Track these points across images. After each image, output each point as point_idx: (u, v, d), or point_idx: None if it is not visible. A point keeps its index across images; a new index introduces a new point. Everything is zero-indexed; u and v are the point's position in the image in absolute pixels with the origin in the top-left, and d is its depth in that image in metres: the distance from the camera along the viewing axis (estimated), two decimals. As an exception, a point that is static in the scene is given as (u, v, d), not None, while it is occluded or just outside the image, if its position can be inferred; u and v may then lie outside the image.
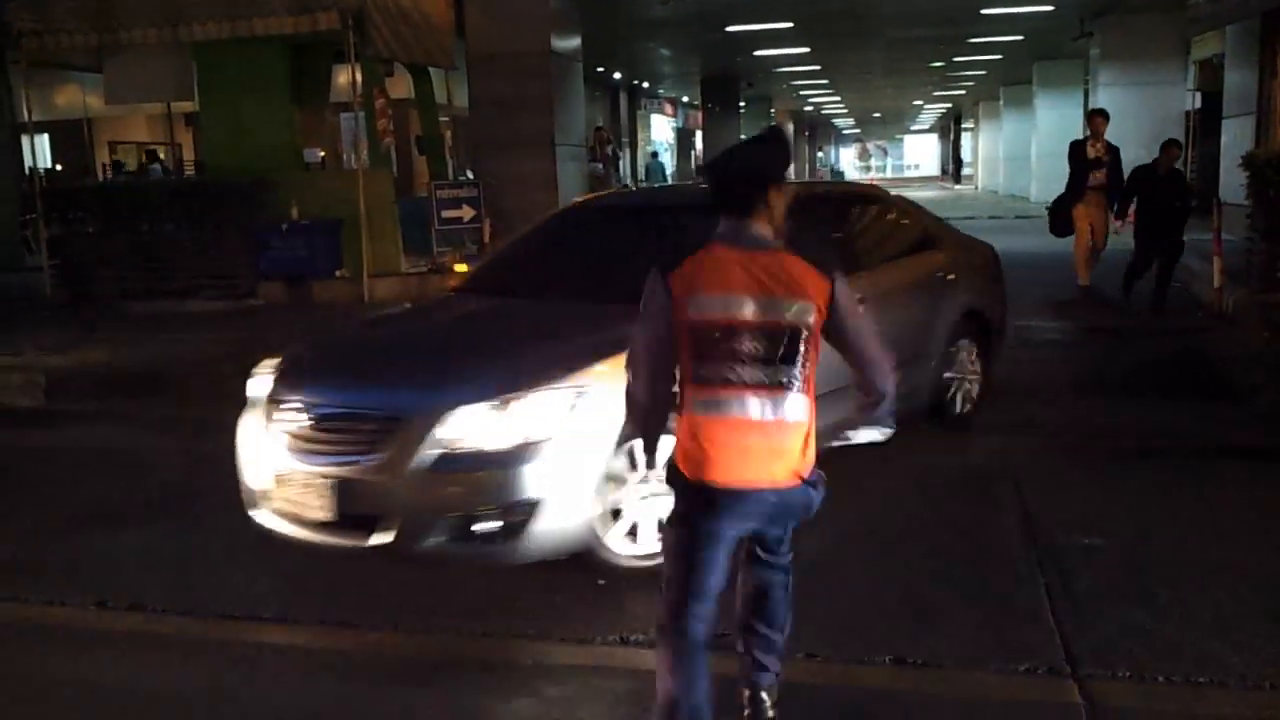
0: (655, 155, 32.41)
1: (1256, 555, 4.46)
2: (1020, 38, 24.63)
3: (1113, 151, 10.82)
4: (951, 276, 6.43)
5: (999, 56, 28.42)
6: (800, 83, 36.93)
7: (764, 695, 3.10)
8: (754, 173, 2.88)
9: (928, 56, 28.99)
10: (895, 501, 5.32)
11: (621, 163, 29.30)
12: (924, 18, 21.36)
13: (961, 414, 6.46)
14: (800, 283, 2.77)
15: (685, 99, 38.74)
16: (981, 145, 48.78)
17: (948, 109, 54.04)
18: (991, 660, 3.62)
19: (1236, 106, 14.34)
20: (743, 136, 35.23)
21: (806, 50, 26.32)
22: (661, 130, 38.93)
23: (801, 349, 2.77)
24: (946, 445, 6.15)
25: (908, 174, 75.78)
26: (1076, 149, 11.06)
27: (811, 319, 2.78)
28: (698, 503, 2.83)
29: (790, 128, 51.55)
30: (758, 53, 26.82)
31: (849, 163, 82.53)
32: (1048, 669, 3.55)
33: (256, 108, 13.28)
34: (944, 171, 65.65)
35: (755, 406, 2.76)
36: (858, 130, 74.47)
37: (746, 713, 3.10)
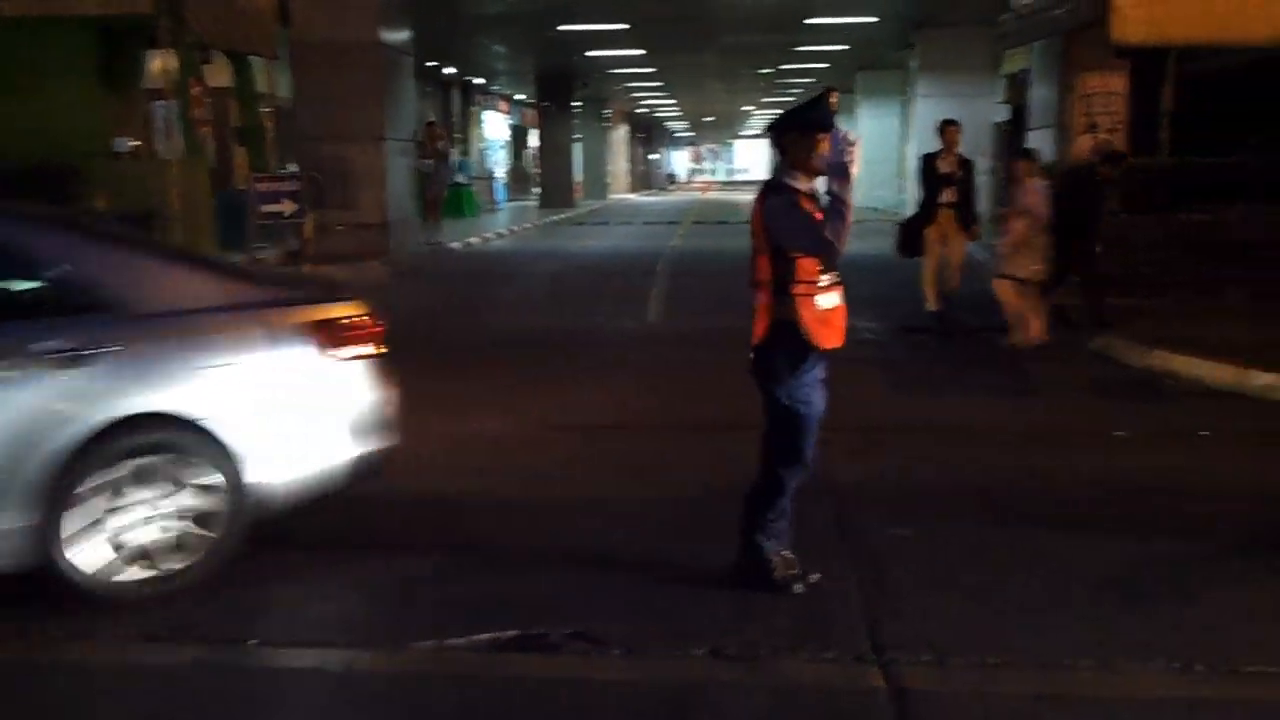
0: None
1: (1060, 542, 4.72)
2: (846, 47, 25.49)
3: (966, 166, 10.09)
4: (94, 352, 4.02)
5: (826, 65, 29.33)
6: (635, 85, 37.25)
7: None
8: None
9: (757, 63, 29.70)
10: (718, 494, 5.41)
11: (453, 159, 28.88)
12: (754, 24, 21.86)
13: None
14: None
15: (521, 96, 38.54)
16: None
17: (778, 115, 55.40)
18: (804, 649, 3.71)
19: (1040, 119, 15.18)
20: (577, 137, 35.10)
21: (641, 53, 26.56)
22: (497, 128, 38.61)
23: None
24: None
25: (738, 178, 77.39)
26: (928, 164, 10.16)
27: None
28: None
29: (624, 130, 51.90)
30: (591, 53, 26.91)
31: (683, 166, 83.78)
32: (854, 656, 3.67)
33: (60, 92, 12.51)
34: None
35: None
36: (692, 134, 75.68)
37: None
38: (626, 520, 5.08)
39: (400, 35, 15.46)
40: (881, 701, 3.39)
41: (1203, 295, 10.43)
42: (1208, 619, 3.95)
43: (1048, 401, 7.66)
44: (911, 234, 10.21)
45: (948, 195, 9.94)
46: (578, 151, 37.43)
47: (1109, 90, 12.08)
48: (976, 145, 22.41)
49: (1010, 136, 20.99)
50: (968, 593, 4.17)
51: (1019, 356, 8.91)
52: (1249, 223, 10.58)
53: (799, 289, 3.89)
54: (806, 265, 3.89)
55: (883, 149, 29.02)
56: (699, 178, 78.92)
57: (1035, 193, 9.06)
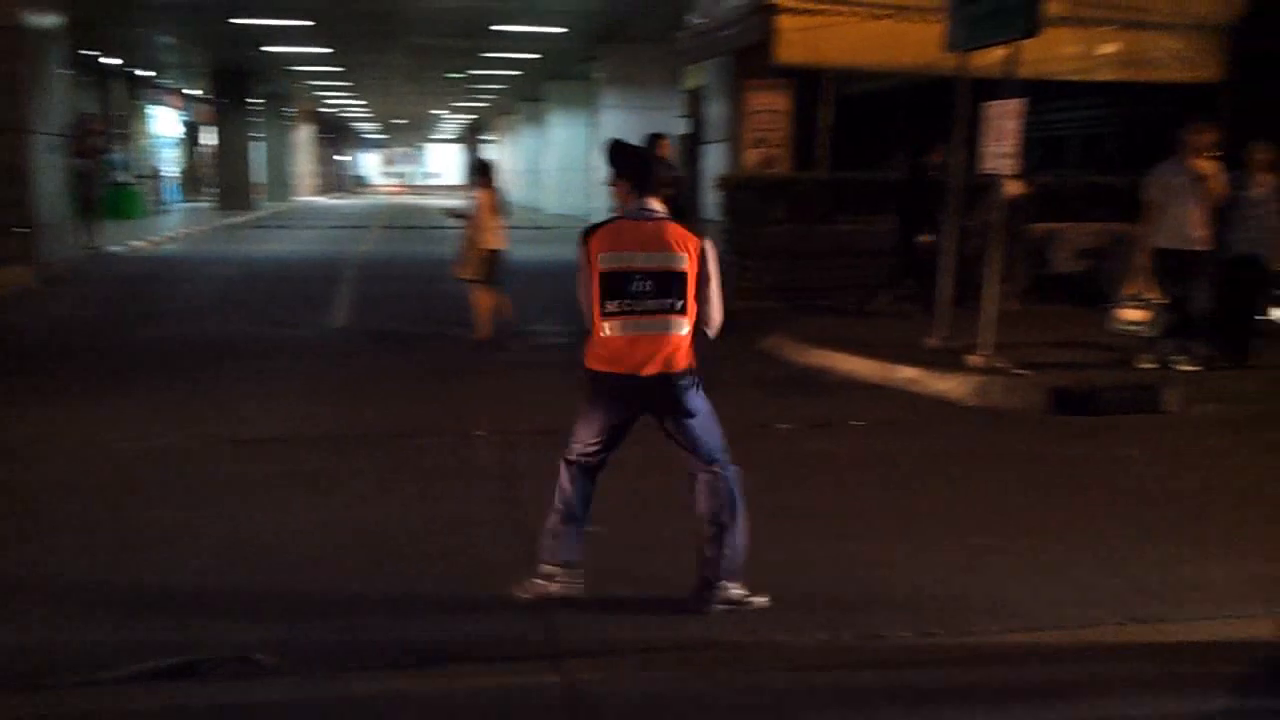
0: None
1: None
2: (537, 56, 25.84)
3: (678, 183, 9.53)
4: None
5: (518, 73, 29.61)
6: (321, 83, 35.97)
7: None
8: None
9: (447, 66, 29.50)
10: (385, 506, 5.31)
11: (116, 156, 26.70)
12: (441, 27, 21.70)
13: None
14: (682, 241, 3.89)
15: (197, 92, 36.17)
16: (503, 157, 50.56)
17: (475, 119, 55.38)
18: (475, 652, 3.70)
19: (715, 133, 16.01)
20: (258, 136, 33.28)
21: (326, 51, 25.69)
22: (168, 124, 36.01)
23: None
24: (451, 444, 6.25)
25: (432, 182, 76.54)
26: None
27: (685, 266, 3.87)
28: None
29: (309, 130, 50.03)
30: (270, 48, 25.71)
31: (374, 168, 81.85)
32: (532, 658, 3.70)
33: None
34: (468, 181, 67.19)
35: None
36: (384, 136, 74.12)
37: None
38: (296, 536, 4.88)
39: (48, 20, 14.10)
40: (556, 698, 3.44)
41: (856, 298, 11.37)
42: (870, 579, 4.30)
43: (719, 397, 8.03)
44: None
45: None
46: (259, 151, 35.64)
47: (774, 108, 12.91)
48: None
49: (691, 148, 22.03)
50: (646, 584, 4.30)
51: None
52: (891, 233, 11.63)
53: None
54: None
55: (573, 157, 29.69)
56: (392, 181, 77.32)
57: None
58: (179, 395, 7.78)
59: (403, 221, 30.61)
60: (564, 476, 4.08)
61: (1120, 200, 11.09)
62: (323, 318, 11.66)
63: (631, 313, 3.85)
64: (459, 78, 32.32)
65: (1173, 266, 8.00)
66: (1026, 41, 7.85)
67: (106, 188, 22.44)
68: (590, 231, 3.95)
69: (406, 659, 3.65)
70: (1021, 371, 7.88)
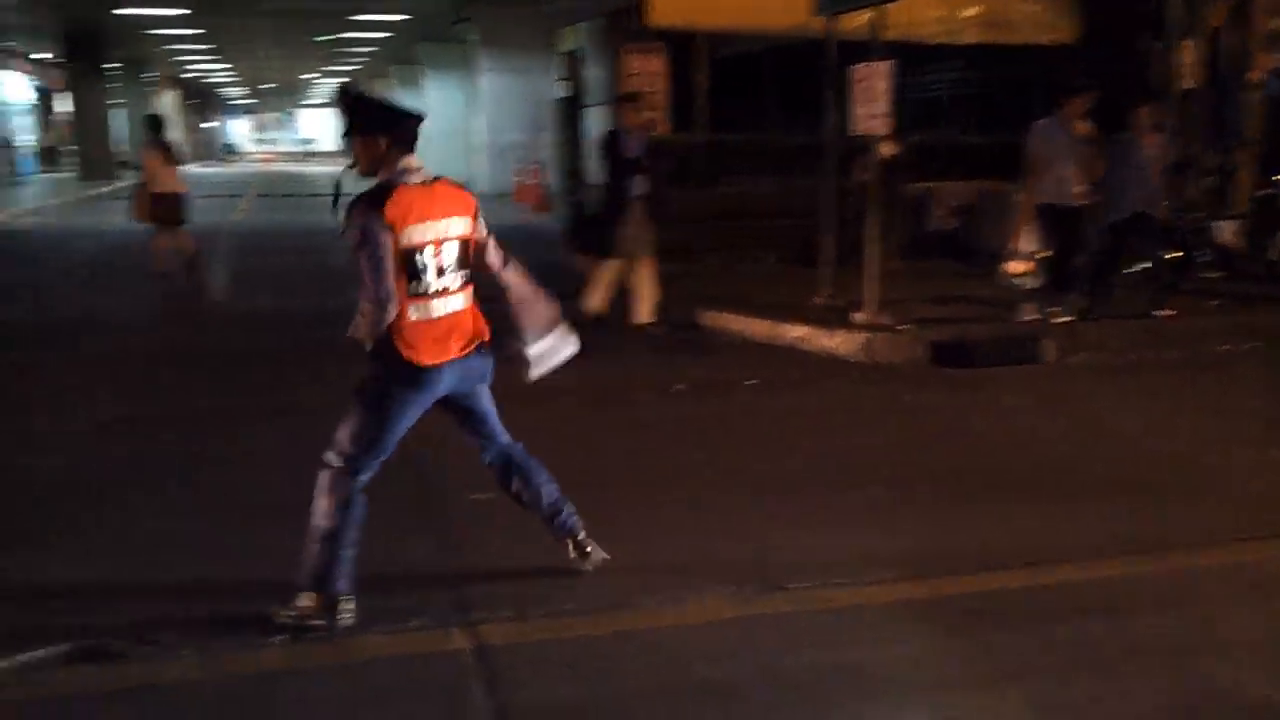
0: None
1: (616, 491, 5.07)
2: (406, 17, 25.22)
3: (651, 150, 8.60)
4: None
5: (389, 34, 28.87)
6: (181, 47, 34.52)
7: None
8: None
9: (315, 29, 28.63)
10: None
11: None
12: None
13: None
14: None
15: (46, 56, 34.29)
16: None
17: (345, 83, 53.85)
18: (379, 622, 3.69)
19: (595, 96, 16.01)
20: (118, 102, 31.81)
21: (184, 13, 24.63)
22: (18, 89, 34.09)
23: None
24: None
25: (308, 149, 74.01)
26: (611, 144, 8.45)
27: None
28: None
29: (173, 96, 48.06)
30: (120, 11, 24.49)
31: (243, 135, 79.01)
32: (438, 623, 3.73)
33: None
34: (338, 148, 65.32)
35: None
36: (253, 101, 71.52)
37: None
38: (163, 519, 4.80)
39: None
40: (468, 661, 3.48)
41: (739, 259, 11.55)
42: (760, 547, 4.44)
43: (613, 358, 8.09)
44: (598, 232, 8.54)
45: (640, 185, 8.40)
46: (120, 119, 34.03)
47: (650, 71, 12.94)
48: (537, 121, 23.30)
49: (571, 112, 21.95)
50: (547, 549, 4.36)
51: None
52: (771, 194, 11.84)
53: None
54: None
55: (450, 122, 29.16)
56: (264, 148, 74.61)
57: None
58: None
59: (279, 190, 29.72)
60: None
61: (986, 159, 11.53)
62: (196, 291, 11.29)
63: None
64: (327, 40, 31.41)
65: (1052, 222, 8.33)
66: (892, 5, 8.04)
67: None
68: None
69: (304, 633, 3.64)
70: (904, 327, 8.15)
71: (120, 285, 11.89)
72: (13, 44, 31.43)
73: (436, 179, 3.67)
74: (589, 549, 4.09)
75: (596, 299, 8.59)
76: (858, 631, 3.73)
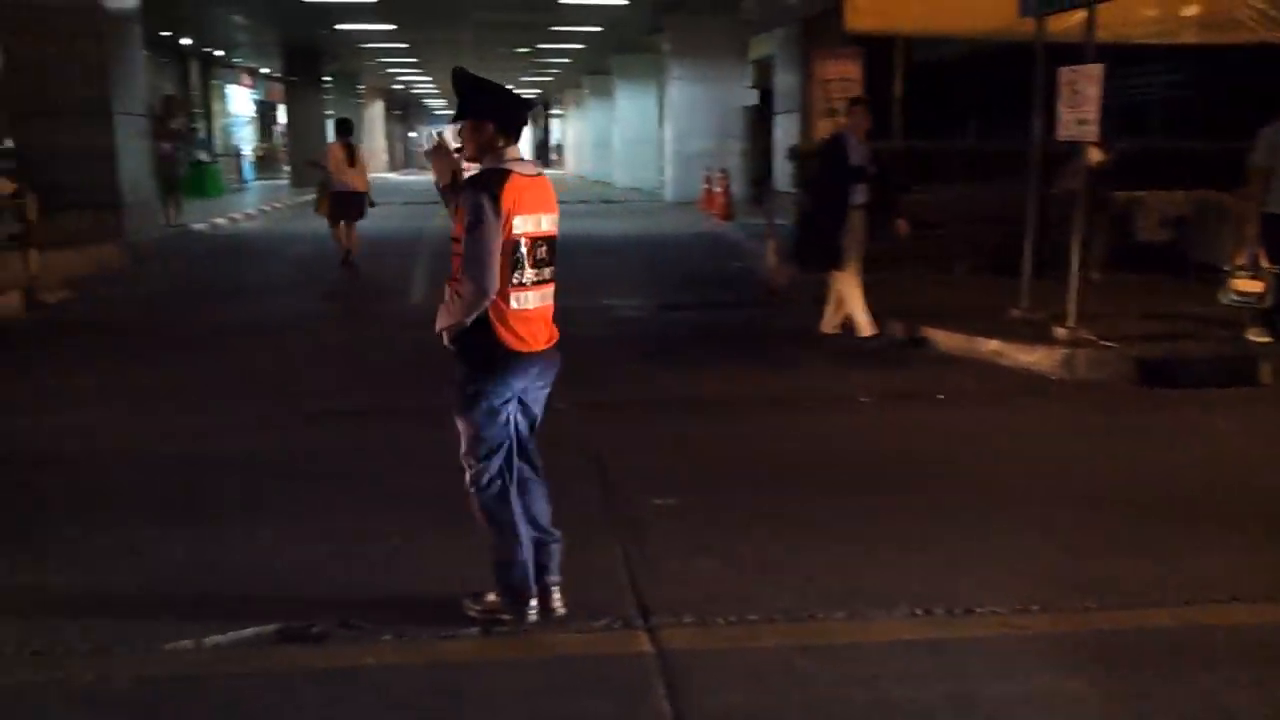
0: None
1: (798, 501, 5.00)
2: (600, 29, 25.73)
3: (876, 160, 8.22)
4: None
5: (582, 46, 29.51)
6: (389, 60, 36.24)
7: None
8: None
9: (514, 41, 29.53)
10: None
11: (198, 135, 27.25)
12: (507, 2, 21.72)
13: None
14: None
15: (266, 70, 36.71)
16: (571, 132, 50.61)
17: (538, 94, 55.47)
18: (572, 621, 3.77)
19: (785, 104, 15.88)
20: (330, 114, 33.63)
21: (393, 27, 25.87)
22: (242, 103, 36.65)
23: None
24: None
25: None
26: (837, 150, 8.05)
27: None
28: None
29: (380, 107, 50.54)
30: (339, 26, 25.96)
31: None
32: (623, 623, 3.77)
33: None
34: (535, 156, 67.35)
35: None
36: (453, 112, 74.36)
37: None
38: (375, 508, 5.01)
39: (125, 1, 14.42)
40: (650, 665, 3.51)
41: (931, 269, 11.22)
42: (943, 565, 4.29)
43: (804, 368, 8.03)
44: (826, 243, 8.22)
45: (862, 193, 8.11)
46: (331, 128, 36.00)
47: (845, 77, 12.74)
48: (726, 128, 23.37)
49: (761, 119, 21.90)
50: (728, 557, 4.35)
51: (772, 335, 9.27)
52: (961, 201, 11.42)
53: None
54: None
55: (642, 131, 29.55)
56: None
57: None
58: (258, 364, 7.98)
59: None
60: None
61: (1205, 167, 10.80)
62: (404, 291, 11.77)
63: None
64: (525, 52, 32.36)
65: (1277, 234, 7.73)
66: (1104, 5, 7.66)
67: (188, 167, 22.93)
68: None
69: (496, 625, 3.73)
70: (1109, 343, 7.74)
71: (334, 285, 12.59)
72: (240, 60, 33.80)
73: (539, 174, 3.65)
74: (550, 597, 3.77)
75: (836, 318, 8.62)
76: (1049, 660, 3.56)
